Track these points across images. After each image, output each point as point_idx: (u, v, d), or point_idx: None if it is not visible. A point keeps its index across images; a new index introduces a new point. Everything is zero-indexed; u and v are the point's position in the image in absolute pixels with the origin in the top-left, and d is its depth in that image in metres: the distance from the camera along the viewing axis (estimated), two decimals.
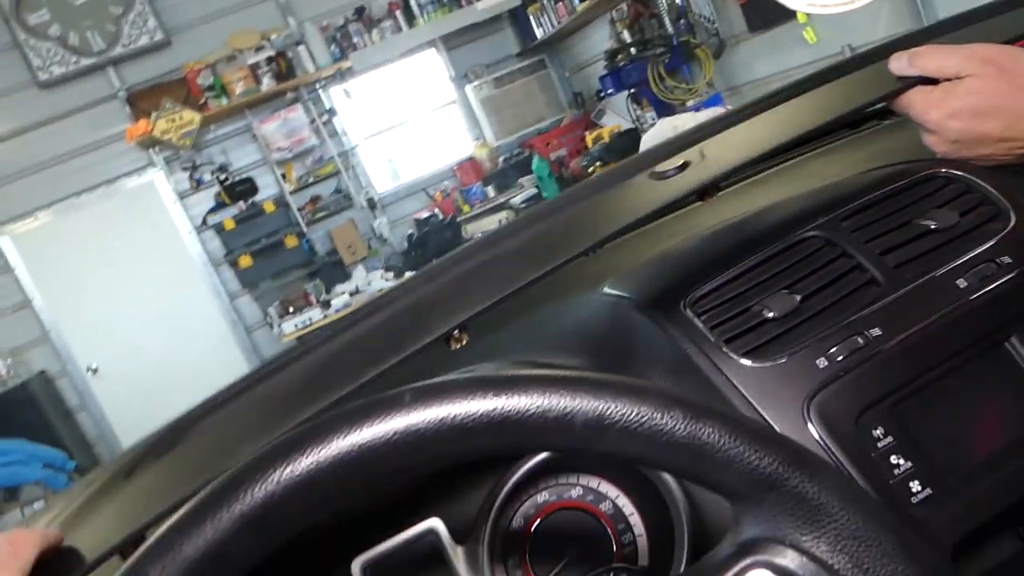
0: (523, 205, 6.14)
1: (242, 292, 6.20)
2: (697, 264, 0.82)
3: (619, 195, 0.81)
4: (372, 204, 6.35)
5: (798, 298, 0.73)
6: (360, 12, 6.16)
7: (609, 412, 0.43)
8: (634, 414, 0.43)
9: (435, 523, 0.71)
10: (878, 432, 0.67)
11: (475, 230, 6.17)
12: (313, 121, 6.16)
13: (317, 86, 6.21)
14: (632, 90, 5.07)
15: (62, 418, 5.67)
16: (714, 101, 4.53)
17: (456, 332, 0.65)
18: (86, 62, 5.78)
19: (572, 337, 0.88)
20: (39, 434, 5.00)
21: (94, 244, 5.89)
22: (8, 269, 5.80)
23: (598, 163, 5.32)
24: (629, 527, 0.76)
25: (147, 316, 5.91)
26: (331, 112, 6.25)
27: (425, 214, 6.26)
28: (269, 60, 5.93)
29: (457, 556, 0.71)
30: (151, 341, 5.89)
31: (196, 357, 5.96)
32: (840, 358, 0.70)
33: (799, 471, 0.43)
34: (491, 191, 6.41)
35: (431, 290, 0.75)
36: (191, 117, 5.69)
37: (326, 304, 5.65)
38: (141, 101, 5.87)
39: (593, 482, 0.76)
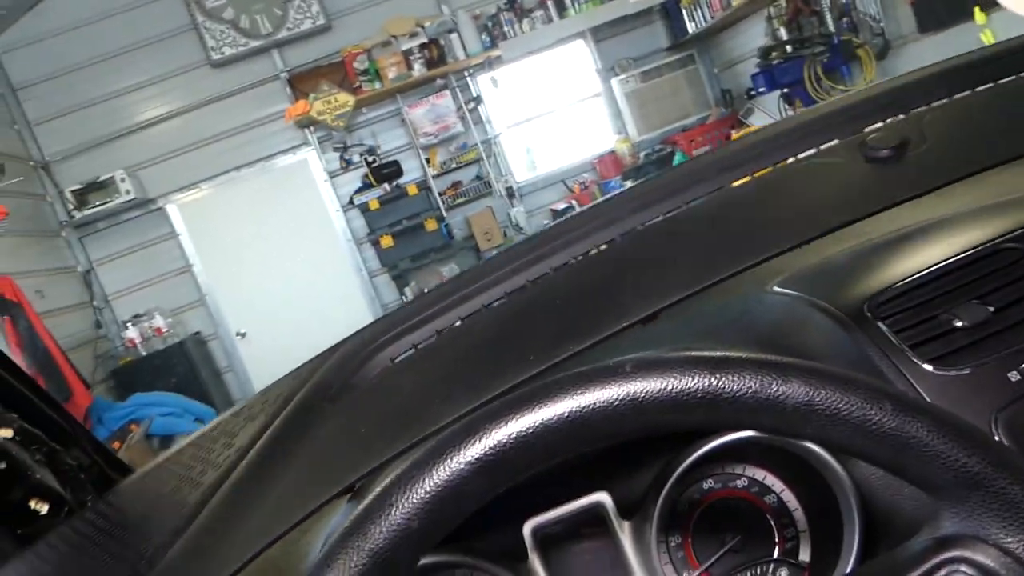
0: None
1: (381, 271, 6.44)
2: (880, 267, 0.81)
3: (828, 178, 0.78)
4: (511, 193, 6.46)
5: (991, 309, 0.71)
6: (512, 2, 6.26)
7: (820, 398, 0.44)
8: (844, 402, 0.44)
9: (604, 497, 0.74)
10: None
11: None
12: (460, 108, 6.31)
13: (466, 74, 6.36)
14: (785, 89, 4.93)
15: (212, 377, 6.08)
16: None
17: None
18: (254, 44, 6.14)
19: (733, 332, 0.89)
20: (190, 389, 5.39)
21: (249, 217, 6.27)
22: (174, 235, 6.25)
23: None
24: (792, 522, 0.76)
25: (293, 287, 6.25)
26: (477, 100, 6.39)
27: (562, 205, 6.31)
28: (422, 47, 6.11)
29: (623, 530, 0.74)
30: (295, 311, 6.22)
31: (335, 330, 6.19)
32: None
33: (1008, 472, 0.43)
34: (629, 185, 6.38)
35: (631, 261, 0.77)
36: (346, 100, 5.94)
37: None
38: (301, 83, 6.19)
39: (759, 474, 0.78)
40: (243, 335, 6.34)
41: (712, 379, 0.45)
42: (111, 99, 6.14)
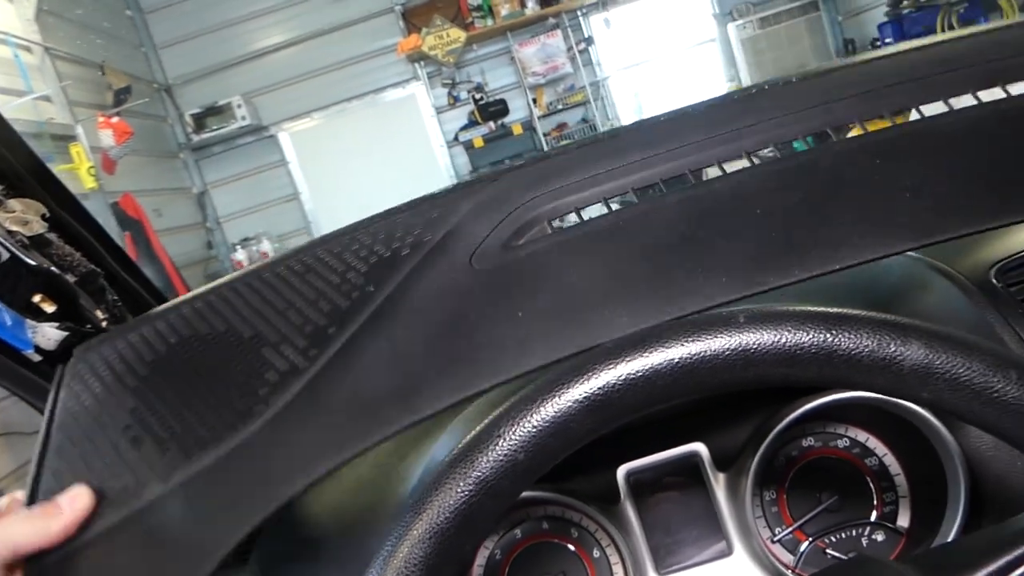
0: (770, 154, 5.88)
1: None
2: (1008, 233, 0.78)
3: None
4: None
5: None
6: None
7: (939, 362, 0.43)
8: (965, 368, 0.43)
9: (700, 448, 0.75)
10: None
11: (713, 172, 6.01)
12: (570, 49, 6.22)
13: (579, 13, 6.24)
14: None
15: None
16: None
17: None
18: None
19: (849, 291, 0.86)
20: None
21: (356, 148, 6.39)
22: (284, 163, 6.44)
23: None
24: (893, 486, 0.75)
25: None
26: (589, 41, 6.27)
27: None
28: None
29: (718, 482, 0.75)
30: None
31: None
32: None
33: None
34: None
35: (854, 183, 0.56)
36: (458, 35, 5.93)
37: (558, 231, 5.77)
38: (414, 16, 6.20)
39: (861, 436, 0.77)
40: None
41: (828, 335, 0.44)
42: (232, 25, 6.30)
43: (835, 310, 0.46)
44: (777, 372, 0.45)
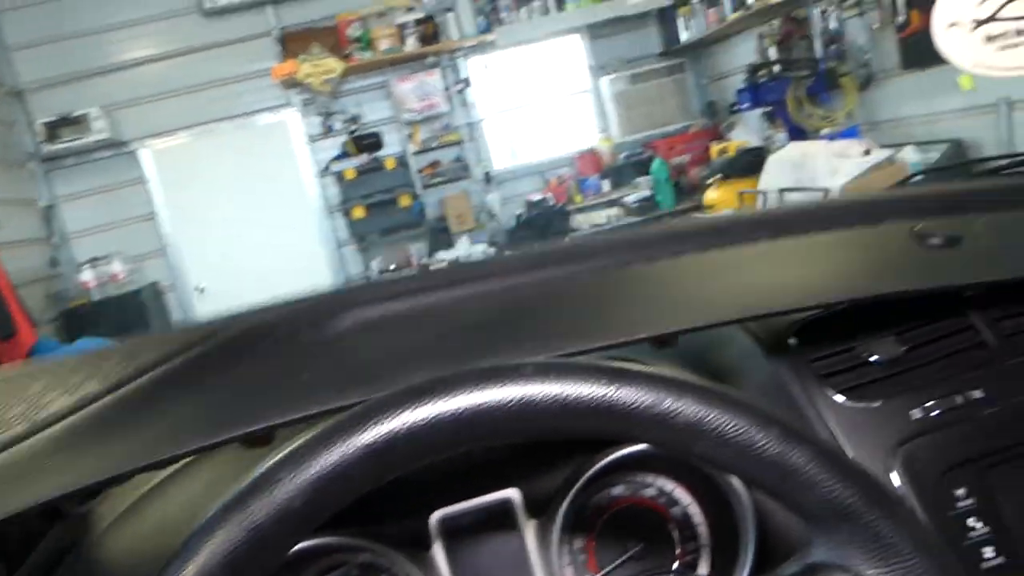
0: (635, 205, 6.12)
1: (349, 242, 6.40)
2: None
3: (874, 243, 0.80)
4: (488, 178, 6.45)
5: (903, 348, 0.74)
6: None
7: (709, 418, 0.46)
8: (731, 424, 0.45)
9: (513, 494, 0.75)
10: (961, 492, 0.67)
11: (583, 221, 6.20)
12: (447, 88, 6.29)
13: (458, 54, 6.33)
14: (768, 108, 4.98)
15: (164, 329, 5.99)
16: (850, 133, 4.40)
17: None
18: None
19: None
20: None
21: (222, 171, 6.19)
22: (143, 180, 6.15)
23: (718, 176, 5.25)
24: (695, 535, 0.78)
25: (257, 248, 6.17)
26: (466, 82, 6.36)
27: (537, 197, 6.31)
28: (417, 22, 6.07)
29: (529, 529, 0.75)
30: (256, 272, 6.13)
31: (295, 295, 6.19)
32: (935, 412, 0.70)
33: (878, 508, 0.45)
34: (606, 185, 6.41)
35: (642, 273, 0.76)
36: (335, 65, 5.89)
37: (425, 268, 5.78)
38: (292, 42, 6.11)
39: (668, 485, 0.79)
40: (202, 290, 6.26)
41: (608, 389, 0.46)
42: (96, 33, 5.99)
43: (619, 364, 0.48)
44: (559, 424, 0.46)
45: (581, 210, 6.28)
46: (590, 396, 0.46)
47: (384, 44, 6.05)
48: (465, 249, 6.00)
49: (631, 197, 6.16)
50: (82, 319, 5.37)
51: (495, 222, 6.42)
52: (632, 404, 0.46)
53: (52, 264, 5.80)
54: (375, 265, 6.08)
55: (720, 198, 5.11)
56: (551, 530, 0.74)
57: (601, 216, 6.18)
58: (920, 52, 4.06)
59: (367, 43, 6.06)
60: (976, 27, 0.79)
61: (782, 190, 4.12)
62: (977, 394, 0.70)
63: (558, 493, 0.75)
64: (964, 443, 0.68)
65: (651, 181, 6.14)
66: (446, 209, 6.33)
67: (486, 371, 0.47)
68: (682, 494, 0.79)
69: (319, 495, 0.44)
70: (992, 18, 0.77)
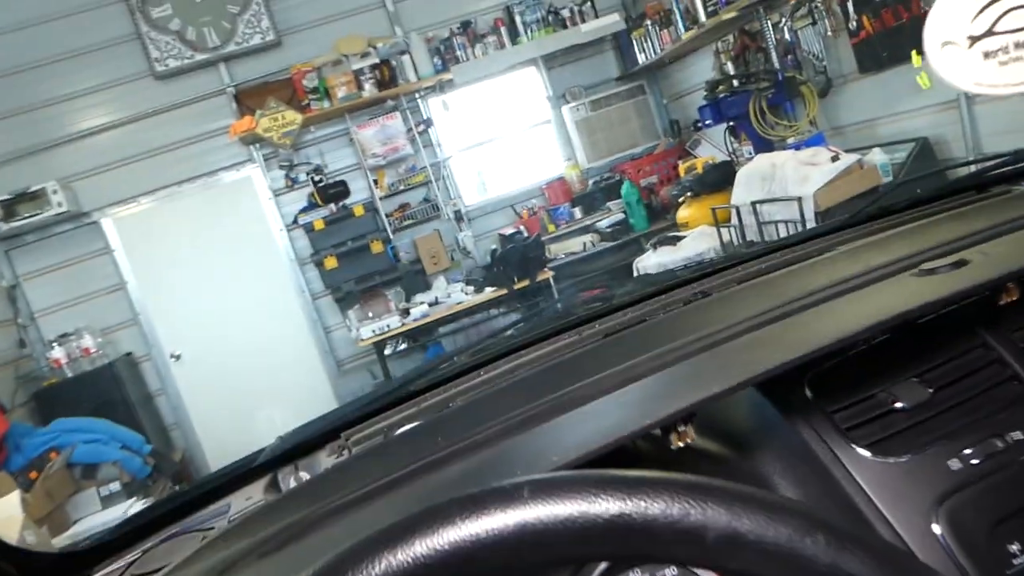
0: (608, 229, 6.09)
1: (324, 292, 6.31)
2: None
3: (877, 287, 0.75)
4: (459, 216, 6.40)
5: (930, 390, 0.67)
6: (465, 26, 6.24)
7: (745, 529, 0.39)
8: (772, 534, 0.39)
9: None
10: (1016, 547, 0.61)
11: (559, 250, 6.15)
12: (410, 130, 6.25)
13: (417, 96, 6.31)
14: (731, 123, 4.97)
15: (142, 400, 5.85)
16: (816, 140, 4.40)
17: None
18: (200, 57, 6.00)
19: None
20: (119, 413, 5.15)
21: (189, 233, 6.09)
22: (108, 251, 6.03)
23: (688, 193, 5.23)
24: None
25: (231, 308, 6.07)
26: (428, 122, 6.33)
27: (510, 230, 6.26)
28: (373, 67, 6.04)
29: None
30: (233, 333, 6.04)
31: (274, 353, 6.10)
32: (975, 461, 0.64)
33: None
34: (578, 212, 6.38)
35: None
36: (293, 117, 5.83)
37: (405, 312, 5.69)
38: (247, 98, 6.06)
39: None
40: (178, 357, 6.12)
41: (621, 505, 0.39)
42: (48, 106, 5.91)
43: (633, 473, 0.41)
44: (571, 552, 0.39)
45: (556, 239, 6.24)
46: (600, 514, 0.39)
47: (341, 91, 6.01)
48: (443, 289, 5.92)
49: (604, 222, 6.13)
50: (56, 399, 5.23)
51: (470, 259, 6.36)
52: (651, 519, 0.39)
53: (20, 345, 5.65)
54: (353, 315, 5.98)
55: (693, 215, 5.08)
56: None
57: (576, 243, 6.14)
58: (875, 55, 4.08)
59: (324, 92, 6.02)
60: (972, 44, 0.73)
61: (755, 202, 4.09)
62: (1018, 435, 0.64)
63: None
64: (1012, 492, 0.62)
65: (622, 204, 6.12)
66: (420, 251, 6.26)
67: (472, 497, 0.39)
68: None
69: None
70: (989, 32, 0.72)
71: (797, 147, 4.27)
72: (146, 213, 6.10)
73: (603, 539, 0.39)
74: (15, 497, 2.82)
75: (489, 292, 5.68)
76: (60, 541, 3.01)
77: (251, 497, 1.04)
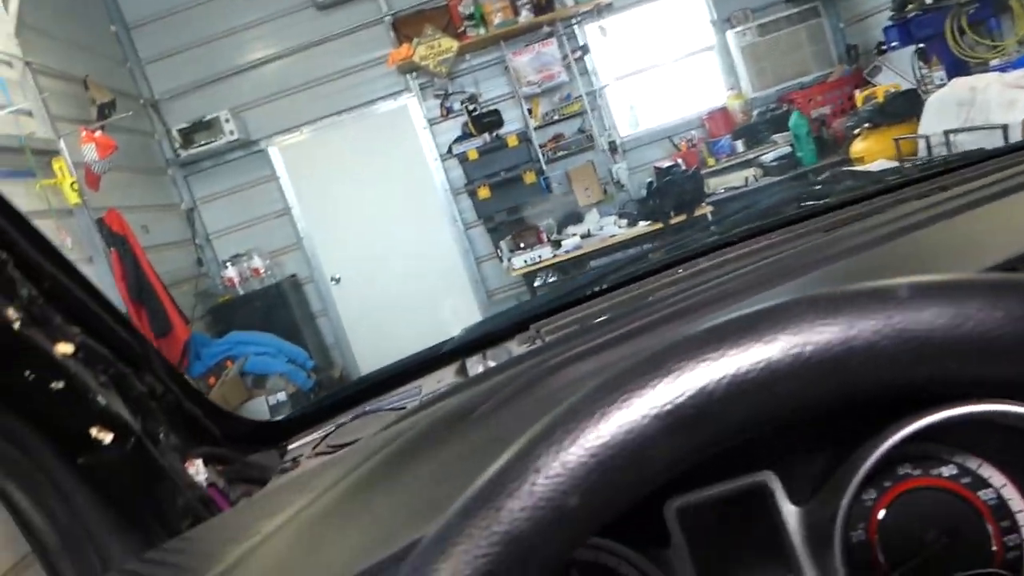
0: (774, 163, 5.75)
1: (476, 222, 6.34)
2: None
3: None
4: (613, 148, 6.23)
5: None
6: None
7: None
8: None
9: (770, 477, 0.58)
10: None
11: (718, 184, 5.88)
12: (565, 57, 6.09)
13: (574, 21, 6.13)
14: (921, 45, 4.53)
15: (306, 320, 6.13)
16: None
17: None
18: None
19: None
20: (284, 331, 5.43)
21: (348, 162, 6.25)
22: (274, 177, 6.29)
23: (866, 125, 4.85)
24: (1016, 527, 0.59)
25: (388, 235, 6.21)
26: (584, 49, 6.15)
27: (667, 163, 6.03)
28: None
29: (792, 519, 0.58)
30: (389, 259, 6.20)
31: (427, 280, 6.21)
32: None
33: None
34: (740, 145, 6.07)
35: None
36: (450, 45, 5.81)
37: (556, 244, 5.62)
38: (405, 26, 6.08)
39: (972, 462, 0.60)
40: (337, 280, 6.36)
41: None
42: (219, 39, 6.17)
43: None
44: (965, 372, 0.29)
45: (715, 173, 5.97)
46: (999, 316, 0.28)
47: (497, 18, 5.92)
48: (595, 222, 5.80)
49: (769, 155, 5.79)
50: (230, 314, 5.59)
51: (624, 192, 6.19)
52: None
53: (198, 263, 6.01)
54: (504, 245, 5.97)
55: (870, 148, 4.72)
56: (824, 521, 0.56)
57: (738, 178, 5.85)
58: None
59: (480, 19, 5.95)
60: None
61: (948, 131, 3.73)
62: None
63: (831, 474, 0.58)
64: None
65: (790, 137, 5.75)
66: (572, 182, 6.15)
67: (831, 296, 0.30)
68: (992, 472, 0.60)
69: (603, 487, 0.29)
70: None
71: (1003, 69, 3.84)
72: (308, 142, 6.29)
73: (1011, 354, 0.29)
74: None
75: (643, 226, 5.52)
76: None
77: (441, 380, 1.00)
